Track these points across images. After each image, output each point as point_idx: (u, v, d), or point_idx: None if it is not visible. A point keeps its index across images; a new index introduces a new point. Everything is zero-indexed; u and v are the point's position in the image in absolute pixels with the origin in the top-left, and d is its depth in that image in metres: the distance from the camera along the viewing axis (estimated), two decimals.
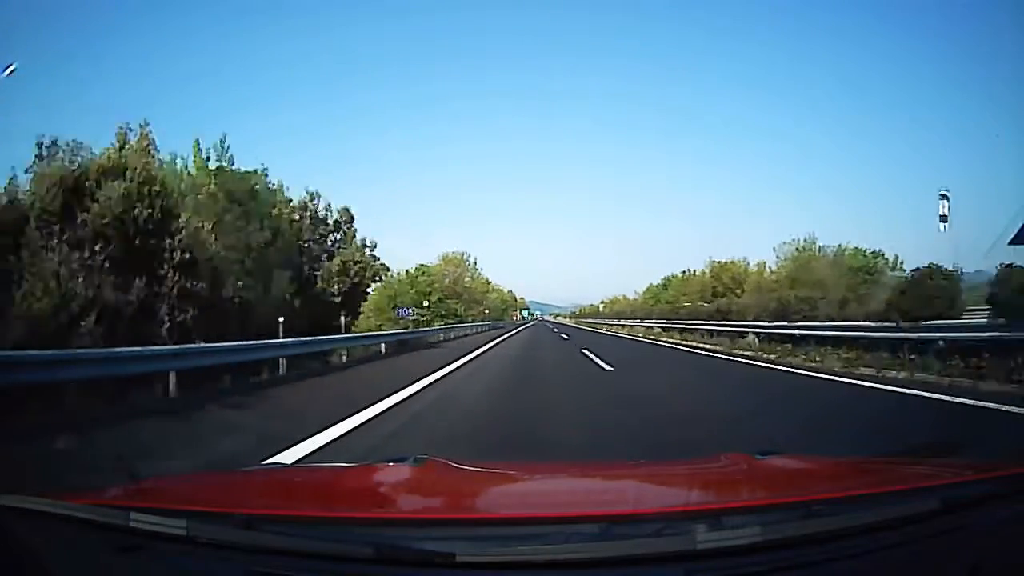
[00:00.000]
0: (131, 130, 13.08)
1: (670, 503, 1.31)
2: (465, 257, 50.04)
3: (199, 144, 18.57)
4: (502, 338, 25.92)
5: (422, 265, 42.28)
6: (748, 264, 31.51)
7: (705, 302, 27.95)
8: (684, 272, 42.18)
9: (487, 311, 54.49)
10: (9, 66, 9.64)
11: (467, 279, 48.49)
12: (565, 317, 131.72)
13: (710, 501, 1.34)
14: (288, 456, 3.96)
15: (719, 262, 32.29)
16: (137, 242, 10.65)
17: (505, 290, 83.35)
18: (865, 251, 26.81)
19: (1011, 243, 8.24)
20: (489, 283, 61.40)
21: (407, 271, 38.85)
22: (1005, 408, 5.95)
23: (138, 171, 10.99)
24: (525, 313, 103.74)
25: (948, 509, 1.03)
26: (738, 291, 24.98)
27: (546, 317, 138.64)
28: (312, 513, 1.17)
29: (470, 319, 41.04)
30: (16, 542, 1.00)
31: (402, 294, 35.14)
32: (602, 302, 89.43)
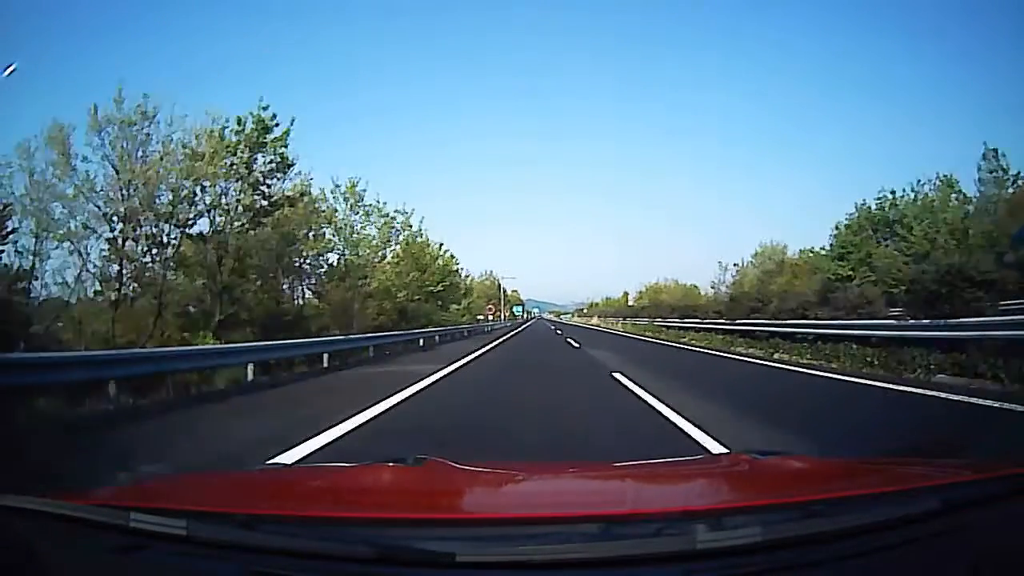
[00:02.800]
0: None
1: (670, 503, 1.31)
2: None
3: None
4: None
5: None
6: None
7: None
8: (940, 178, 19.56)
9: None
10: (9, 66, 9.65)
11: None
12: (571, 315, 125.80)
13: (710, 501, 1.34)
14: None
15: None
16: None
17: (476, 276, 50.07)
18: None
19: (1012, 245, 8.27)
20: (373, 205, 23.14)
21: None
22: None
23: None
24: (517, 309, 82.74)
25: (948, 509, 1.03)
26: None
27: (545, 315, 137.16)
28: (312, 513, 1.17)
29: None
30: (16, 542, 1.00)
31: None
32: (626, 293, 71.76)
